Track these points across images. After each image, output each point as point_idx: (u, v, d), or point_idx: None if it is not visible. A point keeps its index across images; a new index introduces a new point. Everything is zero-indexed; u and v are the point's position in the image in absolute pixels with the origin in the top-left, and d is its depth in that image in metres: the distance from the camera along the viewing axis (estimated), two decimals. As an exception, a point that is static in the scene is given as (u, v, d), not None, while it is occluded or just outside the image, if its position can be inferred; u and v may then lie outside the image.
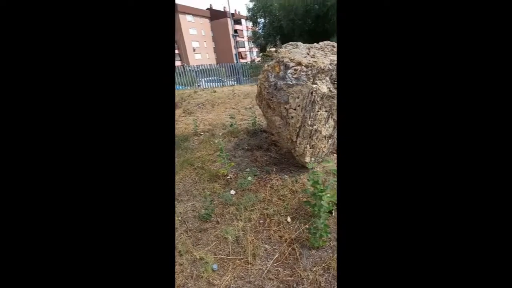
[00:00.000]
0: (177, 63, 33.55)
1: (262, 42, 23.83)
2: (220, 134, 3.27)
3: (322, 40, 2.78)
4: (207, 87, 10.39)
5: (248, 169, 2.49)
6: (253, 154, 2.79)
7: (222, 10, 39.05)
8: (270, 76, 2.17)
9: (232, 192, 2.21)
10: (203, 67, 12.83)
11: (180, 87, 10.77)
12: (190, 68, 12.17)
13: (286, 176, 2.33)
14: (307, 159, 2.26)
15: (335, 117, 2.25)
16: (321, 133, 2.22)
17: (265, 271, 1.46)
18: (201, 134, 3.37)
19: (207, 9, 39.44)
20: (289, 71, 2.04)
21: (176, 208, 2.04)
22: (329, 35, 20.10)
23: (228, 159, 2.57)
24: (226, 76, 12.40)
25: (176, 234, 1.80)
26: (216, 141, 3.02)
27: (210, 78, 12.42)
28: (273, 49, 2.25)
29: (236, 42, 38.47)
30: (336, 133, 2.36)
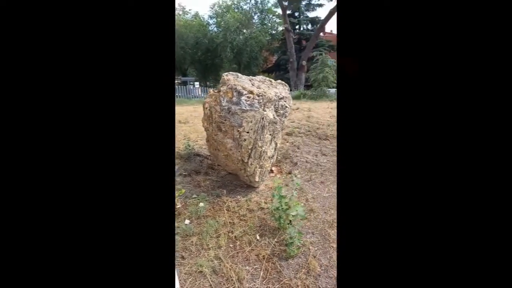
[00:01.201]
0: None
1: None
2: (149, 159, 2.85)
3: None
4: None
5: (195, 195, 2.32)
6: (194, 179, 2.63)
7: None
8: (222, 101, 2.22)
9: (187, 222, 1.99)
10: None
11: None
12: None
13: (238, 196, 2.35)
14: (257, 178, 2.40)
15: (276, 139, 2.56)
16: (266, 154, 2.44)
17: (258, 290, 1.43)
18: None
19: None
20: (243, 97, 2.19)
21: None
22: (218, 69, 21.85)
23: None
24: None
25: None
26: (147, 168, 2.61)
27: None
28: (226, 76, 2.32)
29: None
30: (275, 153, 2.65)
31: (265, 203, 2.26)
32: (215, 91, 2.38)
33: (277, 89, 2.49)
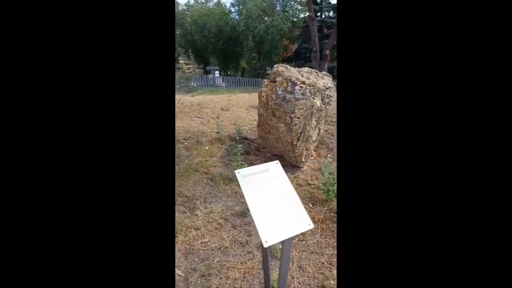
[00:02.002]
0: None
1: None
2: (206, 141, 3.24)
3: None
4: None
5: (250, 171, 2.69)
6: (247, 158, 2.99)
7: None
8: (278, 90, 2.52)
9: (249, 190, 2.37)
10: None
11: None
12: None
13: (287, 174, 2.69)
14: (303, 159, 2.72)
15: (319, 125, 2.84)
16: (312, 138, 2.75)
17: (317, 242, 1.79)
18: (184, 142, 3.22)
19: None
20: (297, 87, 2.47)
21: (208, 209, 2.01)
22: (239, 57, 21.86)
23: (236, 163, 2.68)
24: None
25: (224, 231, 1.83)
26: (206, 148, 3.00)
27: None
28: (278, 68, 2.61)
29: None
30: (317, 138, 2.95)
31: (311, 180, 2.59)
32: (269, 81, 2.68)
33: (324, 79, 2.75)
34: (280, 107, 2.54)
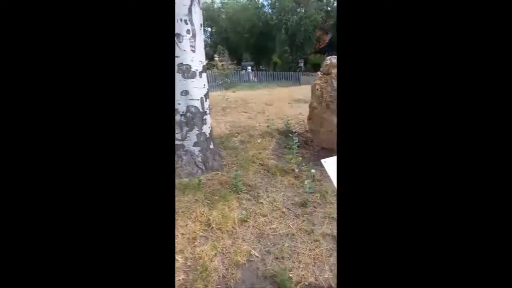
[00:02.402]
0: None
1: (209, 51, 23.69)
2: (257, 135, 3.36)
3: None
4: None
5: (303, 164, 2.72)
6: (298, 151, 3.03)
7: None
8: (333, 82, 2.49)
9: (306, 182, 2.41)
10: None
11: None
12: None
13: (341, 166, 2.67)
14: (358, 151, 2.67)
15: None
16: (366, 130, 2.67)
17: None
18: (237, 135, 3.38)
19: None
20: (353, 80, 2.42)
21: (271, 198, 2.12)
22: (271, 52, 21.67)
23: (290, 156, 2.74)
24: None
25: (289, 219, 1.90)
26: (258, 141, 3.12)
27: None
28: (331, 60, 2.58)
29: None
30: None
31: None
32: (323, 74, 2.65)
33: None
34: (335, 99, 2.51)
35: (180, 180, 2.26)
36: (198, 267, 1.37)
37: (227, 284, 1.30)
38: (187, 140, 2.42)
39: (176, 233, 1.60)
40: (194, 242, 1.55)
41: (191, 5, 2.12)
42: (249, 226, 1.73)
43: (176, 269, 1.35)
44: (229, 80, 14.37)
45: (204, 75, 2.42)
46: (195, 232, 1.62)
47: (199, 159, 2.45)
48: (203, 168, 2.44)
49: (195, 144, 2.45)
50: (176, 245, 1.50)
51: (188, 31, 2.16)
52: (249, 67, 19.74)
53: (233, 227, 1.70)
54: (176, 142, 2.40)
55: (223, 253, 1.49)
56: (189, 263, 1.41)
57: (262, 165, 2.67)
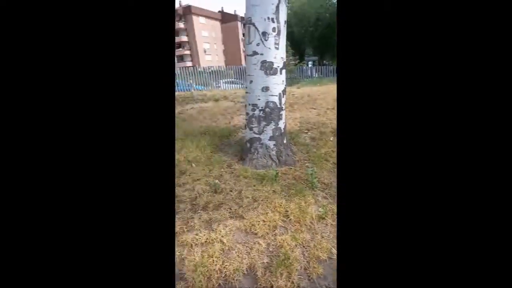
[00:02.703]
0: (188, 63, 33.20)
1: (272, 46, 23.76)
2: (328, 132, 3.26)
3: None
4: (226, 88, 10.19)
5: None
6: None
7: (232, 13, 38.85)
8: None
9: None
10: (217, 69, 12.48)
11: (200, 87, 10.48)
12: (204, 69, 12.02)
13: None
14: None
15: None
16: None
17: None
18: (307, 132, 3.36)
19: (219, 11, 39.18)
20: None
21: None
22: (335, 44, 20.28)
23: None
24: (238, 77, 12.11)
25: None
26: (331, 139, 3.02)
27: (229, 79, 12.16)
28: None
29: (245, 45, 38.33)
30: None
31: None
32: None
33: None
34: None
35: (256, 170, 2.40)
36: (280, 255, 1.44)
37: (309, 276, 1.34)
38: (263, 134, 2.53)
39: (258, 219, 1.71)
40: (275, 231, 1.64)
41: (278, 3, 2.17)
42: (327, 224, 1.71)
43: (259, 252, 1.46)
44: (292, 76, 14.23)
45: (283, 71, 2.47)
46: (275, 221, 1.70)
47: (274, 152, 2.54)
48: (277, 161, 2.52)
49: (271, 138, 2.54)
50: (258, 230, 1.62)
51: (274, 29, 2.23)
52: (310, 62, 19.04)
53: (311, 222, 1.71)
54: (253, 135, 2.55)
55: (303, 246, 1.52)
56: (271, 249, 1.51)
57: (335, 163, 2.59)
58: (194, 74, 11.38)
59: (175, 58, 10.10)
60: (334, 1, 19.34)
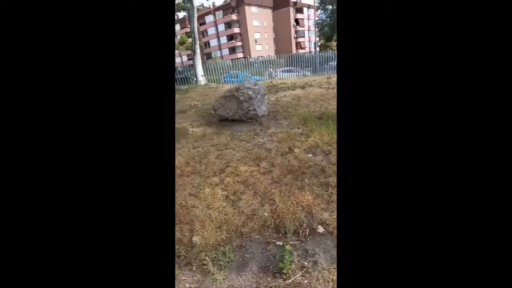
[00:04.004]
0: (240, 55, 33.82)
1: (328, 31, 22.28)
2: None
3: None
4: (283, 77, 9.90)
5: None
6: None
7: (284, -1, 37.58)
8: None
9: None
10: (267, 58, 12.10)
11: (256, 77, 10.36)
12: (254, 59, 11.75)
13: None
14: None
15: None
16: None
17: None
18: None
19: (270, -2, 38.37)
20: None
21: None
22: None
23: None
24: (301, 67, 11.53)
25: None
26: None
27: (285, 68, 11.78)
28: None
29: (296, 32, 36.98)
30: None
31: None
32: None
33: None
34: None
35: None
36: None
37: None
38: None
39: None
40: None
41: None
42: None
43: None
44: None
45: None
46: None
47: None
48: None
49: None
50: None
51: None
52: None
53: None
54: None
55: None
56: None
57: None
58: (245, 65, 11.43)
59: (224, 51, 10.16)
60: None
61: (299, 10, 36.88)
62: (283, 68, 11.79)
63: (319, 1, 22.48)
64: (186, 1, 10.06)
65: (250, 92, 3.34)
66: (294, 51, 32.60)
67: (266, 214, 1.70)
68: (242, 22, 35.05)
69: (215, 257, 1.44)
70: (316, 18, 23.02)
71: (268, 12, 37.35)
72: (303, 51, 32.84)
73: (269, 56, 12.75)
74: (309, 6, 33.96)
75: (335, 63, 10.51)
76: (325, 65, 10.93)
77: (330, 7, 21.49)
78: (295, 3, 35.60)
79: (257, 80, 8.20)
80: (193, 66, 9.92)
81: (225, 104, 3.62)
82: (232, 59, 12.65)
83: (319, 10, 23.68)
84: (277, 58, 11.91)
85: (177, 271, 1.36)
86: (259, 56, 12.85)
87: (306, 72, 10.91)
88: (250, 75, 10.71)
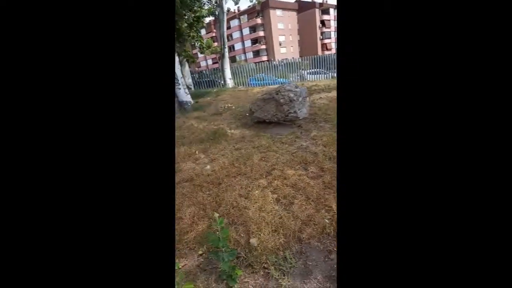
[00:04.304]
0: (264, 58, 33.99)
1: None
2: None
3: None
4: (311, 79, 9.69)
5: None
6: None
7: (309, 0, 37.21)
8: None
9: None
10: (291, 61, 11.84)
11: (281, 80, 10.21)
12: (278, 62, 11.63)
13: None
14: None
15: None
16: None
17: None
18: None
19: (296, 1, 38.24)
20: None
21: None
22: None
23: None
24: (327, 68, 11.21)
25: None
26: None
27: (312, 70, 11.53)
28: None
29: (322, 33, 36.31)
30: None
31: None
32: None
33: None
34: None
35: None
36: None
37: None
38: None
39: None
40: None
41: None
42: None
43: None
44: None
45: None
46: None
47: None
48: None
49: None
50: None
51: None
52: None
53: None
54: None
55: None
56: None
57: None
58: (269, 67, 11.37)
59: (224, 56, 10.08)
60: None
61: (325, 11, 36.21)
62: (309, 70, 11.65)
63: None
64: (216, 6, 10.36)
65: (292, 95, 3.30)
66: (320, 52, 31.99)
67: (326, 221, 1.64)
68: (266, 25, 35.26)
69: (275, 261, 1.42)
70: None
71: (293, 14, 37.16)
72: (329, 52, 32.11)
73: (293, 58, 12.62)
74: (335, 7, 33.22)
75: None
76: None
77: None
78: (321, 4, 35.03)
79: (283, 83, 8.16)
80: (219, 69, 10.12)
81: (263, 106, 3.61)
82: (256, 62, 12.73)
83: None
84: (301, 60, 11.76)
85: (239, 272, 1.36)
86: (283, 59, 12.79)
87: (334, 73, 10.66)
88: (275, 78, 10.68)
